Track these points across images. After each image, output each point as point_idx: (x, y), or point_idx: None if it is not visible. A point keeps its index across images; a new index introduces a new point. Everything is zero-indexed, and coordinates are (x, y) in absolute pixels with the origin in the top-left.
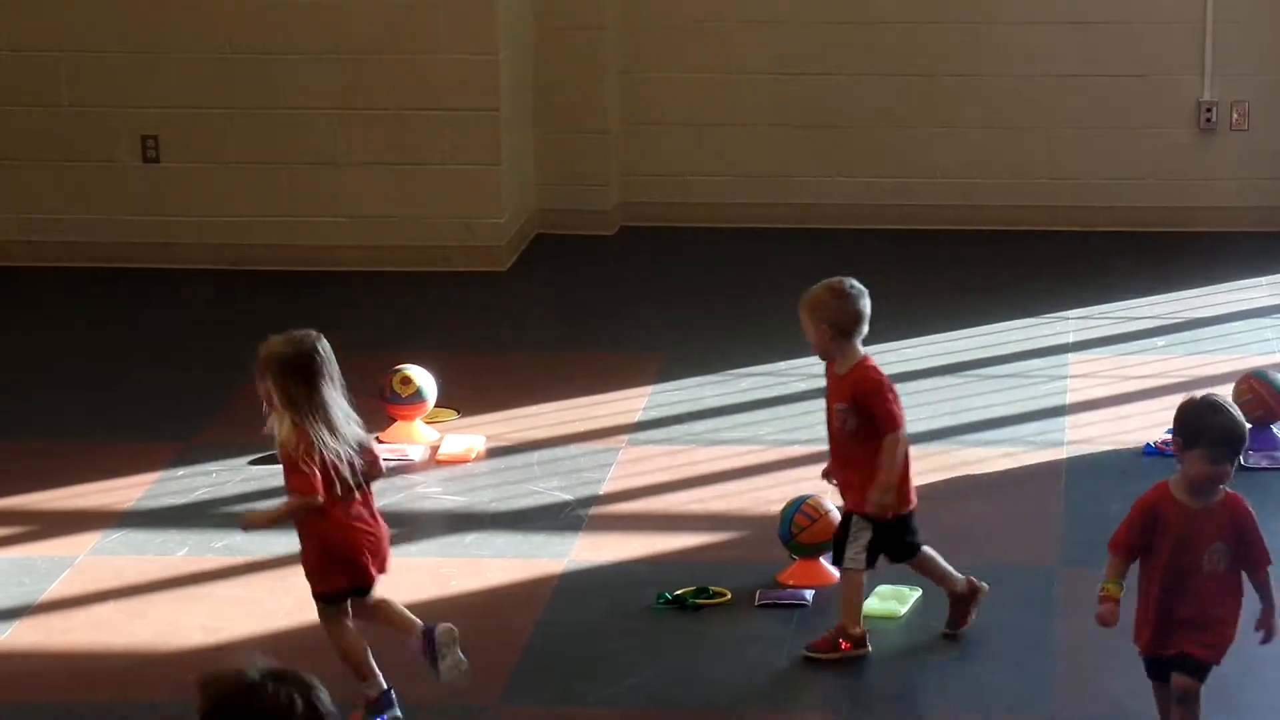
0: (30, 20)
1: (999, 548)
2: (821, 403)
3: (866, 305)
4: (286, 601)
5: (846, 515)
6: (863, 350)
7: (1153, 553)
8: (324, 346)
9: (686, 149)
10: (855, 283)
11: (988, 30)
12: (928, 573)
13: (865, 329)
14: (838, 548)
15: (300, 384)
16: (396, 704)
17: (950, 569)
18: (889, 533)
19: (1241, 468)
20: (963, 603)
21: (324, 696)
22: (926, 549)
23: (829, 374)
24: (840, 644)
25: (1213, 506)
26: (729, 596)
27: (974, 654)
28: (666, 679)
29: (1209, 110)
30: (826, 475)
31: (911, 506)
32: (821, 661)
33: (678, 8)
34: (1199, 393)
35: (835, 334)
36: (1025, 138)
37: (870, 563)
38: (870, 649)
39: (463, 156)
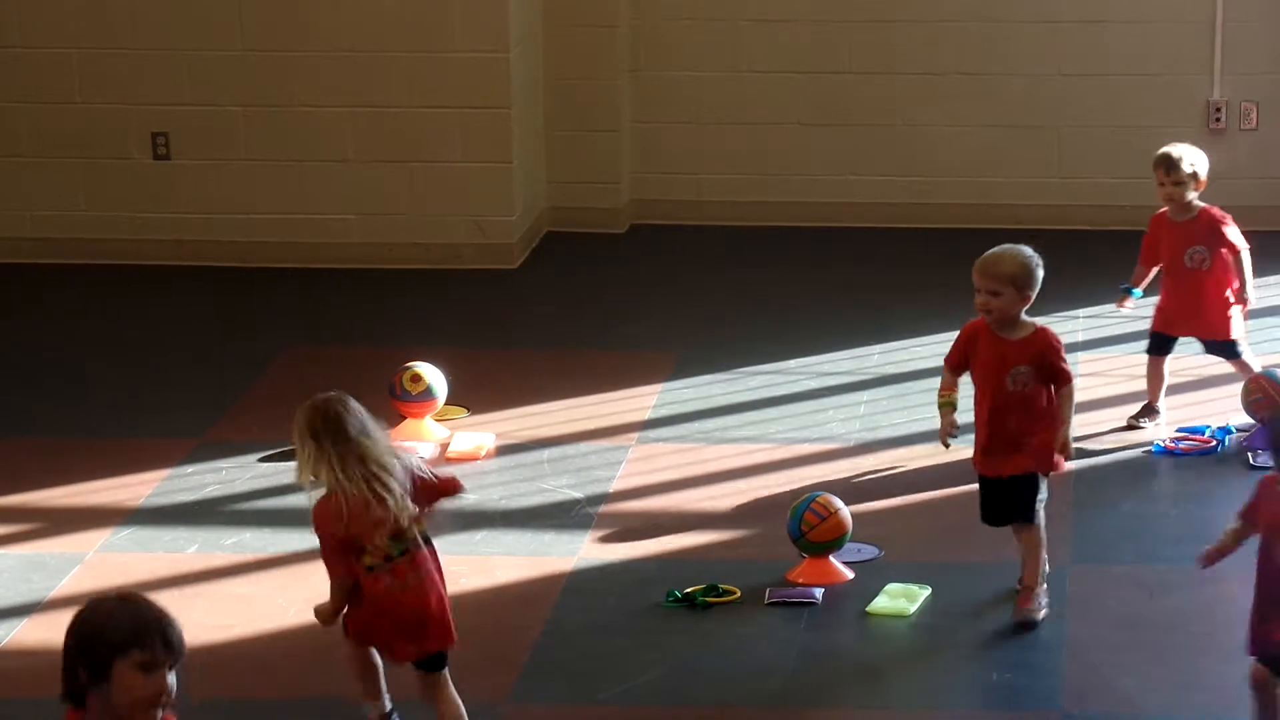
0: (41, 17)
1: (1009, 546)
2: (830, 400)
3: None
4: (297, 599)
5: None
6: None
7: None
8: (347, 404)
9: (697, 147)
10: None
11: (998, 29)
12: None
13: None
14: (1024, 506)
15: (330, 442)
16: None
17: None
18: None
19: (1251, 466)
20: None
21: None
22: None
23: (989, 339)
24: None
25: None
26: (738, 595)
27: (985, 652)
28: (675, 677)
29: (1218, 110)
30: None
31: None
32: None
33: (689, 6)
34: None
35: (1025, 302)
36: (1035, 137)
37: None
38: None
39: (473, 154)
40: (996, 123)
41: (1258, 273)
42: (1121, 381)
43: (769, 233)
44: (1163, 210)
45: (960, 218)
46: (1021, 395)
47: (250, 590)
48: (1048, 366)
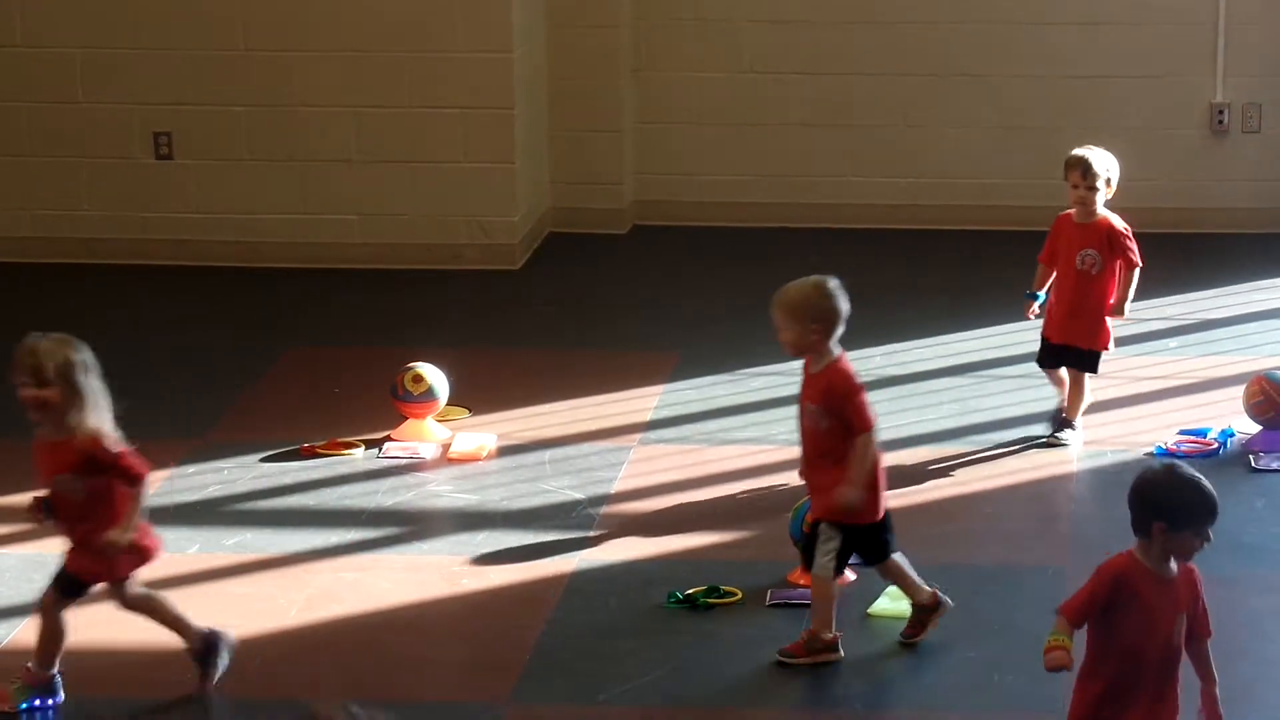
0: (45, 17)
1: (1010, 548)
2: None
3: (847, 306)
4: (298, 599)
5: (815, 521)
6: (837, 350)
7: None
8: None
9: (699, 148)
10: (836, 282)
11: (1001, 31)
12: (896, 579)
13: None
14: (807, 553)
15: (93, 379)
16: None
17: (917, 579)
18: (859, 537)
19: (1253, 470)
20: (924, 613)
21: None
22: (897, 556)
23: (805, 373)
24: (813, 649)
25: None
26: (740, 596)
27: (985, 653)
28: (677, 678)
29: (1221, 112)
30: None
31: (879, 517)
32: (792, 666)
33: (691, 7)
34: (1155, 468)
35: (822, 333)
36: (1038, 138)
37: (839, 569)
38: (842, 654)
39: (476, 155)
40: (999, 124)
41: (1260, 275)
42: (1125, 384)
43: (771, 233)
44: (1067, 211)
45: (963, 219)
46: (811, 432)
47: (251, 590)
48: (835, 407)
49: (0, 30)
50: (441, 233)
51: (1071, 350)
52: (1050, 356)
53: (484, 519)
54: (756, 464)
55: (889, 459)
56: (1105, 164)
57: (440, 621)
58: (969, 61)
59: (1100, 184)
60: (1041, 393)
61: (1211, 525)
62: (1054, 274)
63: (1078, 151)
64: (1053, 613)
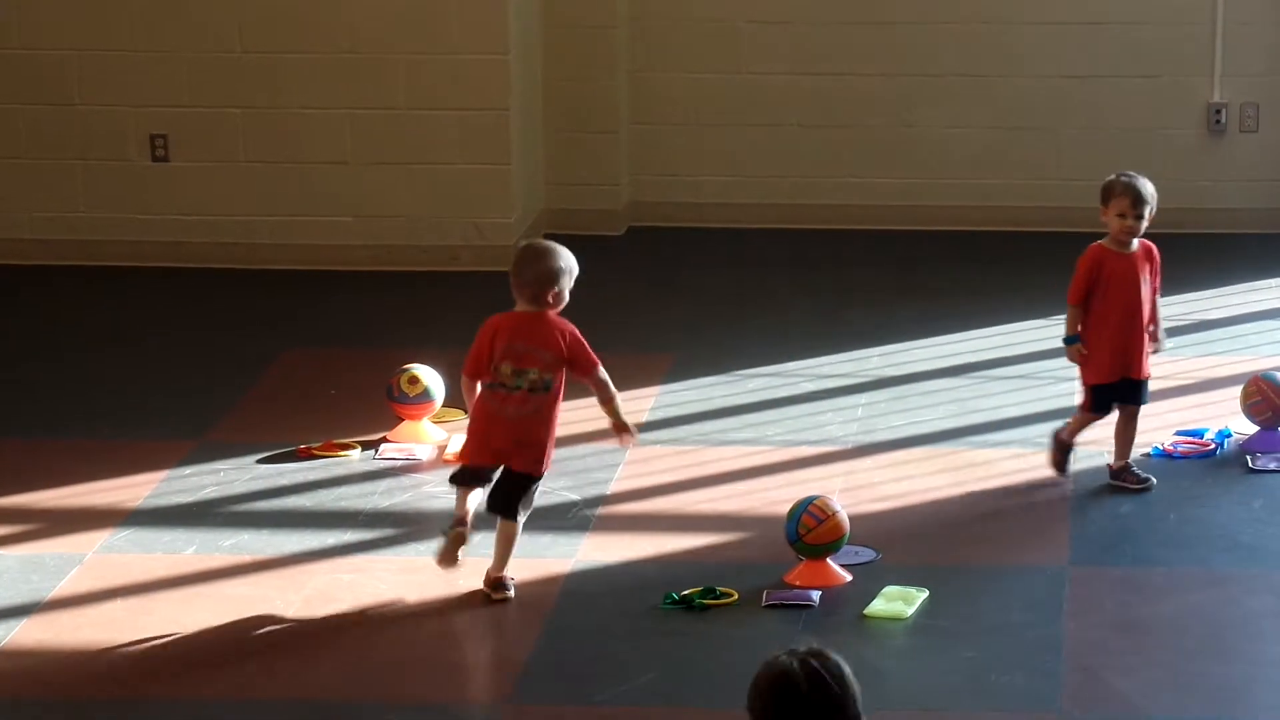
0: (41, 18)
1: (1008, 548)
2: (828, 403)
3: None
4: (294, 599)
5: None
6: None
7: None
8: None
9: (696, 149)
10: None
11: (997, 31)
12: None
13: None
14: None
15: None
16: None
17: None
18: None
19: (1249, 470)
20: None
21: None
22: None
23: None
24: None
25: None
26: (736, 597)
27: (983, 653)
28: (673, 679)
29: (1218, 112)
30: None
31: (467, 463)
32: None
33: (688, 7)
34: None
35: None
36: (1035, 138)
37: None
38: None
39: (472, 156)
40: (996, 124)
41: (1258, 275)
42: None
43: (767, 235)
44: (1100, 243)
45: (959, 219)
46: None
47: (249, 591)
48: None
49: None
50: (437, 234)
51: (1122, 384)
52: (1109, 403)
53: (480, 520)
54: (752, 464)
55: (883, 460)
56: (1152, 192)
57: (437, 622)
58: (965, 61)
59: (1146, 213)
60: (1040, 393)
61: None
62: (1084, 312)
63: (1125, 179)
64: (1052, 613)
